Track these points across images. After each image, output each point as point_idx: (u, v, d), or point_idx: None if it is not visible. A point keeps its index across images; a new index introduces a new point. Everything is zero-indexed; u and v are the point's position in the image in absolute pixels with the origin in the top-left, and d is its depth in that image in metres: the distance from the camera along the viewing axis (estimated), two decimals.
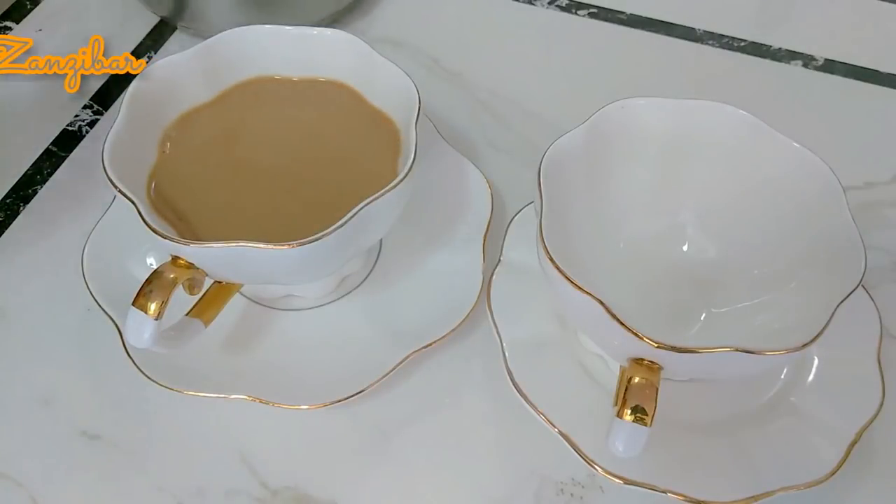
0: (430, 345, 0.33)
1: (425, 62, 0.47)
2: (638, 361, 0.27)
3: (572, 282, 0.26)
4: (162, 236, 0.27)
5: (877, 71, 0.47)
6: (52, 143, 0.42)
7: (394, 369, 0.32)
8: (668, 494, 0.29)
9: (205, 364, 0.33)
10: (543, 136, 0.32)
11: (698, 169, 0.34)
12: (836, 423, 0.31)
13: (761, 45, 0.48)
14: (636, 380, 0.26)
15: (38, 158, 0.42)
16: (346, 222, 0.28)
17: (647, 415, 0.25)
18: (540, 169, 0.30)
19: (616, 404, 0.27)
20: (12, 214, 0.39)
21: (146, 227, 0.28)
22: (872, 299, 0.33)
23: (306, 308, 0.35)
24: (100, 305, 0.33)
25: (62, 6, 0.49)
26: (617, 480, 0.29)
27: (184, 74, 0.34)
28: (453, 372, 0.34)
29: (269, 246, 0.27)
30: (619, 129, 0.33)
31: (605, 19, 0.50)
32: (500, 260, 0.35)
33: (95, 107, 0.44)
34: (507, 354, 0.32)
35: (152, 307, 0.27)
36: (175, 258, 0.28)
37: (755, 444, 0.31)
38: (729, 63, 0.47)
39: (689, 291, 0.34)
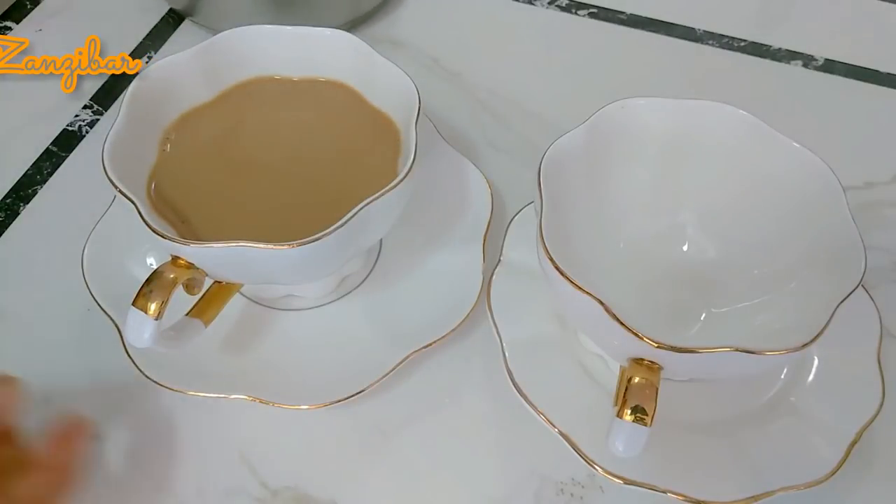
0: (430, 345, 0.33)
1: (425, 62, 0.47)
2: (638, 361, 0.27)
3: (572, 282, 0.26)
4: (162, 236, 0.27)
5: (877, 71, 0.47)
6: (52, 143, 0.42)
7: (394, 369, 0.32)
8: (668, 494, 0.29)
9: (205, 364, 0.33)
10: (543, 136, 0.32)
11: (698, 169, 0.34)
12: (836, 423, 0.31)
13: (761, 44, 0.48)
14: (636, 380, 0.26)
15: (38, 158, 0.42)
16: (346, 222, 0.28)
17: (647, 415, 0.25)
18: (540, 169, 0.30)
19: (616, 404, 0.27)
20: (12, 214, 0.39)
21: (146, 227, 0.28)
22: (872, 299, 0.33)
23: (306, 308, 0.35)
24: (100, 305, 0.33)
25: (62, 6, 0.49)
26: (617, 480, 0.29)
27: (184, 74, 0.34)
28: (453, 372, 0.34)
29: (269, 246, 0.27)
30: (619, 129, 0.33)
31: (605, 19, 0.50)
32: (500, 260, 0.35)
33: (95, 107, 0.44)
34: (507, 354, 0.32)
35: (152, 307, 0.27)
36: (175, 258, 0.28)
37: (755, 444, 0.31)
38: (729, 63, 0.47)
39: (688, 291, 0.34)
